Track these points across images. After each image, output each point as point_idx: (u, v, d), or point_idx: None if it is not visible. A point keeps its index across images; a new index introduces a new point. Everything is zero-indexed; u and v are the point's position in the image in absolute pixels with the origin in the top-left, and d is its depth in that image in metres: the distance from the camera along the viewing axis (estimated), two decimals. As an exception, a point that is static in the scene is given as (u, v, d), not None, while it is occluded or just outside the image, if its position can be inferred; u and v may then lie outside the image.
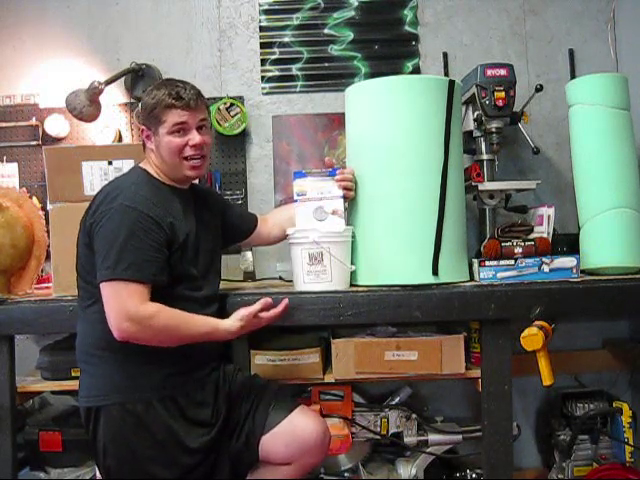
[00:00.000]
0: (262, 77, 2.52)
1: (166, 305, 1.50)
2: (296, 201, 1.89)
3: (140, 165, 1.67)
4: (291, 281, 1.93)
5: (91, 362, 1.55)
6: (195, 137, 1.59)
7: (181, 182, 1.67)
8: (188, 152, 1.60)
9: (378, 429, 2.09)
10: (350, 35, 2.51)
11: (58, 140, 2.48)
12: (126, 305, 1.44)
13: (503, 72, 2.07)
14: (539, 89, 2.14)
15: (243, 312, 1.60)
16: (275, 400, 1.67)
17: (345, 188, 1.87)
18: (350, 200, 1.93)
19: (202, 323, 1.56)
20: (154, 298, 1.49)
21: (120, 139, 2.47)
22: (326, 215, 1.86)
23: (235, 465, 1.63)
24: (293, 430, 1.60)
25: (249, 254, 2.30)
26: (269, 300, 1.67)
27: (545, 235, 1.99)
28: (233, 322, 1.59)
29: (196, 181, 1.82)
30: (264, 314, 1.65)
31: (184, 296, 1.57)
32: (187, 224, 1.62)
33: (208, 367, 1.65)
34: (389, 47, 2.51)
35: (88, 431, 1.56)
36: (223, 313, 1.71)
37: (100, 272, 1.46)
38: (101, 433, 1.52)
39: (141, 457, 1.52)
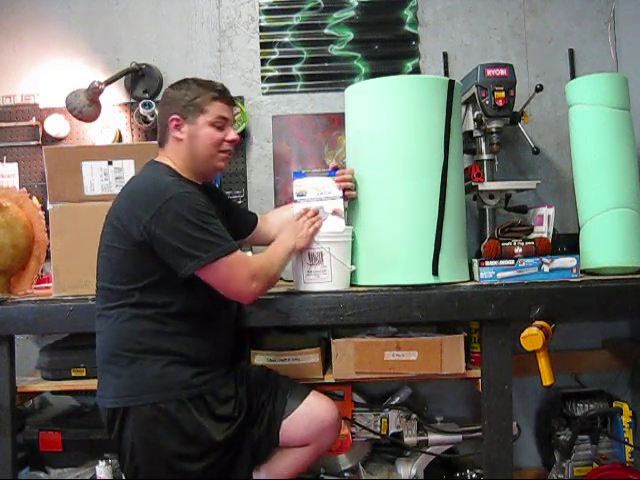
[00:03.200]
0: (262, 77, 2.52)
1: (189, 305, 1.55)
2: (296, 201, 1.89)
3: (157, 160, 1.65)
4: (291, 281, 1.93)
5: (118, 363, 1.53)
6: (233, 133, 1.67)
7: (203, 176, 1.70)
8: (225, 146, 1.66)
9: (378, 429, 2.09)
10: (350, 35, 2.51)
11: (58, 140, 2.48)
12: (248, 270, 1.54)
13: (503, 72, 2.07)
14: (539, 89, 2.14)
15: (290, 224, 1.80)
16: (290, 387, 1.71)
17: (345, 189, 1.88)
18: (350, 200, 1.93)
19: (279, 249, 1.71)
20: (178, 291, 1.53)
21: (120, 139, 2.47)
22: (326, 215, 1.85)
23: (255, 453, 1.66)
24: (311, 412, 1.66)
25: (249, 254, 2.30)
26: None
27: (545, 235, 1.99)
28: (289, 234, 1.75)
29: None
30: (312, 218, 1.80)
31: (207, 295, 1.56)
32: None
33: (227, 364, 1.68)
34: (389, 47, 2.51)
35: (112, 432, 1.55)
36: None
37: (192, 262, 1.47)
38: (129, 433, 1.52)
39: (170, 454, 1.53)
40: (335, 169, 1.90)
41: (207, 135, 1.62)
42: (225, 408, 1.59)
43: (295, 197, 1.90)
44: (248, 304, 1.63)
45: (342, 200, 1.87)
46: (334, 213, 1.86)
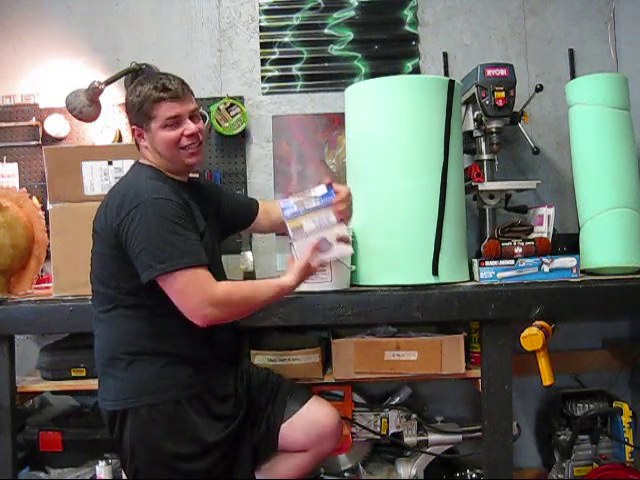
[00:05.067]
0: (262, 77, 2.52)
1: None
2: (291, 243, 1.67)
3: (140, 162, 1.65)
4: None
5: (117, 366, 1.53)
6: (190, 126, 1.58)
7: (182, 173, 1.66)
8: (185, 142, 1.58)
9: (378, 429, 2.09)
10: (350, 35, 2.51)
11: (58, 140, 2.48)
12: (204, 292, 1.43)
13: (503, 72, 2.07)
14: (539, 89, 2.14)
15: (300, 264, 1.58)
16: (291, 391, 1.70)
17: (342, 219, 1.67)
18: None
19: (268, 287, 1.56)
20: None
21: (120, 139, 2.47)
22: (331, 245, 1.62)
23: (256, 455, 1.65)
24: (311, 417, 1.65)
25: (249, 254, 2.30)
26: (314, 241, 1.61)
27: (545, 235, 1.99)
28: (293, 277, 1.57)
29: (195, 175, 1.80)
30: (315, 260, 1.60)
31: None
32: (201, 218, 1.62)
33: (226, 363, 1.67)
34: (389, 47, 2.51)
35: (113, 433, 1.56)
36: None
37: (153, 268, 1.42)
38: (128, 435, 1.52)
39: (169, 455, 1.53)
40: (330, 186, 1.64)
41: (162, 139, 1.56)
42: (224, 407, 1.60)
43: (291, 234, 1.62)
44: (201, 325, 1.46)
45: (343, 224, 1.66)
46: (340, 240, 1.63)
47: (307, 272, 1.59)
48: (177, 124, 1.57)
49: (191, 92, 1.63)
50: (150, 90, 1.54)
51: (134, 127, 1.60)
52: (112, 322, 1.55)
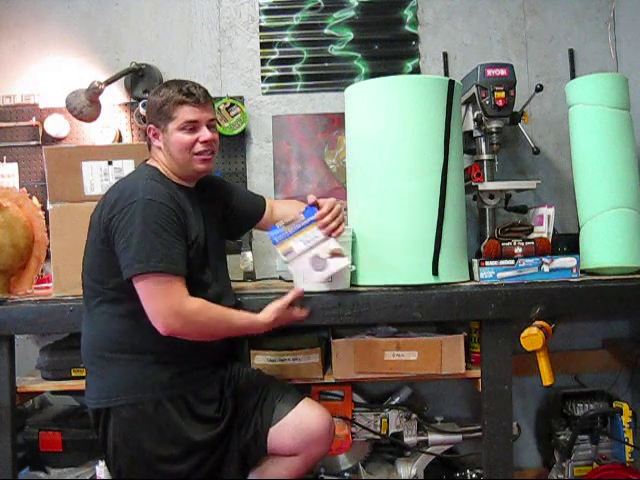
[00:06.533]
0: (262, 77, 2.52)
1: None
2: (287, 262, 1.67)
3: (147, 163, 1.66)
4: (291, 281, 1.93)
5: (100, 364, 1.54)
6: (205, 133, 1.61)
7: (190, 179, 1.67)
8: (198, 148, 1.61)
9: (378, 429, 2.09)
10: (350, 35, 2.51)
11: (58, 140, 2.48)
12: (172, 300, 1.44)
13: (503, 72, 2.07)
14: (539, 89, 2.14)
15: (277, 304, 1.62)
16: (281, 393, 1.68)
17: (329, 231, 1.65)
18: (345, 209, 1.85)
19: (241, 317, 1.58)
20: None
21: (120, 139, 2.47)
22: (325, 261, 1.64)
23: (244, 458, 1.64)
24: (300, 422, 1.62)
25: (249, 254, 2.30)
26: (300, 289, 1.68)
27: (545, 235, 1.99)
28: (268, 315, 1.60)
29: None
30: (297, 311, 1.66)
31: (189, 293, 1.54)
32: (197, 224, 1.62)
33: (214, 365, 1.66)
34: (389, 47, 2.51)
35: (97, 432, 1.56)
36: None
37: (131, 266, 1.44)
38: (111, 434, 1.53)
39: (151, 456, 1.52)
40: (313, 206, 1.66)
41: (177, 140, 1.59)
42: (208, 409, 1.59)
43: (282, 257, 1.66)
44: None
45: (334, 238, 1.66)
46: (333, 255, 1.64)
47: (284, 315, 1.62)
48: (194, 129, 1.60)
49: (213, 103, 1.68)
50: (174, 92, 1.59)
51: (151, 126, 1.63)
52: (97, 319, 1.55)
